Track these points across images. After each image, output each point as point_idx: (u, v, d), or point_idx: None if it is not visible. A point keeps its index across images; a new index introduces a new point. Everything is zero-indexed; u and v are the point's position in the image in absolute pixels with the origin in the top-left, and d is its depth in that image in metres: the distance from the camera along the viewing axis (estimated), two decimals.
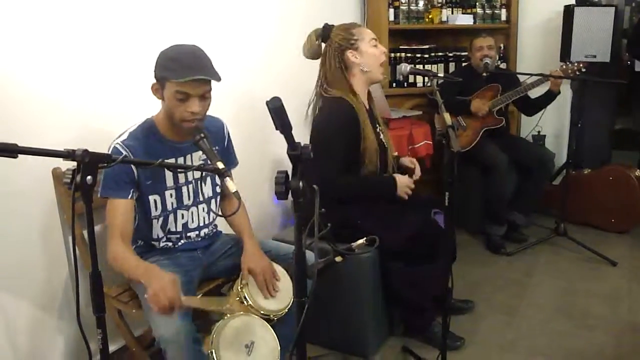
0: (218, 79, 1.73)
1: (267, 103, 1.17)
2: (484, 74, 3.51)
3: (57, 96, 1.97)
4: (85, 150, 1.25)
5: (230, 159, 2.07)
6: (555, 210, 3.63)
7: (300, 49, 2.40)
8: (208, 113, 1.88)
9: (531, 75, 3.32)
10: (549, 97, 3.45)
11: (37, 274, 1.98)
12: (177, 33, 2.33)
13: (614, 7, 3.63)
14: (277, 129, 1.18)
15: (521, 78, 3.57)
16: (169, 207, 1.91)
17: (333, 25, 2.35)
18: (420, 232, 2.27)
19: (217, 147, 1.92)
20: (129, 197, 1.79)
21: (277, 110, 1.16)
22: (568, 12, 3.68)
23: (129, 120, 1.89)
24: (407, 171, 2.50)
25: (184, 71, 1.67)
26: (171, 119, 1.79)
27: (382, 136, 2.42)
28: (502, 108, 3.51)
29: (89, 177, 1.25)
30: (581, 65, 3.24)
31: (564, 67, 3.27)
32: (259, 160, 2.82)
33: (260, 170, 2.78)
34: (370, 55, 2.30)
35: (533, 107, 3.63)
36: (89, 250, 1.32)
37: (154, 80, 1.78)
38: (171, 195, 1.90)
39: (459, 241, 3.10)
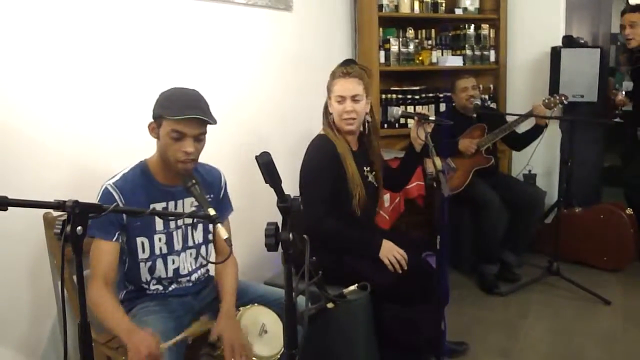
0: (214, 121, 1.76)
1: (257, 158, 1.18)
2: (474, 115, 3.56)
3: (52, 139, 1.99)
4: (76, 201, 1.26)
5: (224, 208, 2.06)
6: (547, 248, 3.63)
7: (297, 90, 2.48)
8: (205, 161, 1.89)
9: (520, 116, 3.39)
10: (537, 131, 3.49)
11: (24, 318, 1.95)
12: (171, 78, 2.35)
13: (599, 49, 3.72)
14: (266, 182, 1.20)
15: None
16: (157, 252, 1.89)
17: (350, 62, 2.45)
18: (411, 273, 2.26)
19: (211, 196, 1.93)
20: (114, 239, 1.77)
21: (266, 165, 1.18)
22: (555, 53, 3.78)
23: (126, 163, 1.90)
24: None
25: (181, 110, 1.70)
26: (165, 159, 1.79)
27: (370, 178, 2.46)
28: (490, 147, 3.54)
29: (79, 228, 1.26)
30: (562, 97, 3.31)
31: (547, 100, 3.33)
32: (252, 201, 2.82)
33: (252, 211, 2.77)
34: (334, 108, 2.39)
35: (521, 142, 3.66)
36: (78, 298, 1.31)
37: (152, 120, 1.79)
38: (160, 240, 1.89)
39: (452, 281, 3.09)
